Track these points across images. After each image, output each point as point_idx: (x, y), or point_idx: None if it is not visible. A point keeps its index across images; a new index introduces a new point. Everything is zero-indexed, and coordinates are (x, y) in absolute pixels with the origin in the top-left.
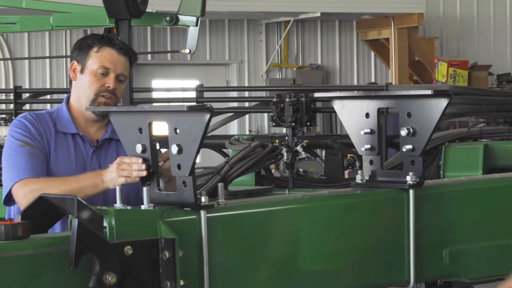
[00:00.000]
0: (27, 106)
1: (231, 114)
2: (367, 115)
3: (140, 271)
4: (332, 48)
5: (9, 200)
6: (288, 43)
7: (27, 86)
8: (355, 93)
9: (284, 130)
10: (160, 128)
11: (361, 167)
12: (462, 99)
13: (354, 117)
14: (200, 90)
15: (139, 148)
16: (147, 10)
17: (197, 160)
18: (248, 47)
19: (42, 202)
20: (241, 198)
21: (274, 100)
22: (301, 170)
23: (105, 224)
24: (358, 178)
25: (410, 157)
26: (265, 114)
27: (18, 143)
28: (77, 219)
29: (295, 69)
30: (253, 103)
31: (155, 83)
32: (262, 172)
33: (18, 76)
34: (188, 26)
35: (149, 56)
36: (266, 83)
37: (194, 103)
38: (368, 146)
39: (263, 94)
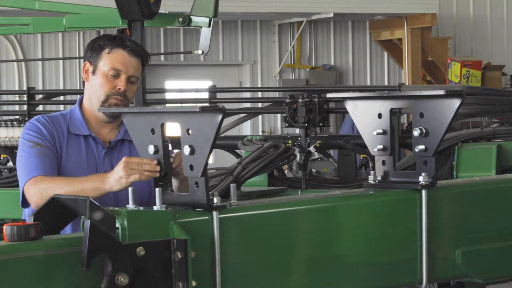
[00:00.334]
0: (40, 107)
1: (244, 114)
2: (380, 116)
3: (152, 272)
4: (345, 48)
5: (26, 201)
6: (301, 43)
7: (40, 87)
8: (367, 93)
9: (297, 130)
10: (173, 129)
11: (373, 168)
12: (476, 99)
13: (367, 118)
14: (213, 91)
15: (151, 149)
16: (159, 11)
17: (210, 161)
18: (261, 48)
19: (54, 203)
20: (254, 199)
21: (287, 100)
22: (314, 170)
23: (117, 225)
24: (371, 179)
25: (422, 157)
26: (278, 115)
27: (29, 144)
28: (89, 220)
29: (308, 69)
30: (266, 104)
31: (168, 84)
32: (275, 173)
33: (32, 77)
34: (201, 27)
35: (162, 57)
36: (279, 84)
37: (206, 104)
38: (381, 146)
39: (276, 95)
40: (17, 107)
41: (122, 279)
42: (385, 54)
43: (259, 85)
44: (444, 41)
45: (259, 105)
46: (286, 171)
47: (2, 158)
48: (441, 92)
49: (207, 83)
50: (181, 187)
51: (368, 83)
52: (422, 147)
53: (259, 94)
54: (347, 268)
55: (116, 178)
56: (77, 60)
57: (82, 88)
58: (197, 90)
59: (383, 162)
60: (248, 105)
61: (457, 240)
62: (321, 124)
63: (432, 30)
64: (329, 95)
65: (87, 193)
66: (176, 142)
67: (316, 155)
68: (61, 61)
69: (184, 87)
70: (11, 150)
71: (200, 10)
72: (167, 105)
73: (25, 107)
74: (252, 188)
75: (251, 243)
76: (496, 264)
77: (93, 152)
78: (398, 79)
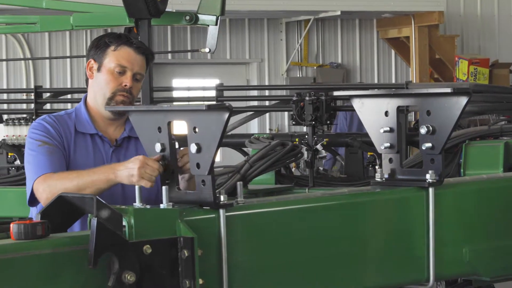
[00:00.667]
0: (47, 106)
1: (251, 113)
2: (386, 113)
3: (159, 270)
4: (352, 46)
5: (33, 200)
6: (308, 41)
7: (47, 86)
8: (374, 91)
9: (304, 128)
10: (180, 127)
11: (380, 166)
12: (483, 97)
13: (374, 116)
14: (220, 89)
15: (158, 147)
16: (166, 10)
17: (217, 159)
18: (268, 46)
19: (61, 201)
20: (261, 197)
21: (294, 98)
22: (321, 168)
23: (124, 223)
24: (378, 177)
25: (429, 155)
26: (285, 113)
27: (37, 143)
28: (96, 218)
29: (315, 67)
30: (273, 102)
31: (176, 82)
32: (282, 171)
33: (39, 76)
34: (208, 25)
35: (169, 56)
36: (286, 82)
37: (213, 102)
38: (388, 144)
39: (283, 93)
40: (24, 106)
41: (129, 277)
42: (393, 52)
43: (266, 83)
44: (451, 39)
45: (266, 103)
46: (293, 169)
47: (9, 156)
48: (448, 90)
49: (214, 81)
50: (189, 185)
51: (376, 81)
52: (429, 145)
53: (266, 92)
54: (354, 266)
55: (127, 174)
56: (84, 58)
57: (86, 86)
58: (204, 88)
59: (390, 160)
60: (255, 103)
61: (464, 237)
62: (328, 122)
63: (440, 28)
64: (336, 93)
65: (97, 184)
66: (183, 140)
67: (323, 153)
68: (68, 59)
69: (192, 85)
70: (18, 148)
71: (207, 8)
72: (174, 103)
73: (32, 106)
74: (259, 186)
75: (258, 241)
76: (504, 262)
77: (100, 151)
78: (405, 77)
